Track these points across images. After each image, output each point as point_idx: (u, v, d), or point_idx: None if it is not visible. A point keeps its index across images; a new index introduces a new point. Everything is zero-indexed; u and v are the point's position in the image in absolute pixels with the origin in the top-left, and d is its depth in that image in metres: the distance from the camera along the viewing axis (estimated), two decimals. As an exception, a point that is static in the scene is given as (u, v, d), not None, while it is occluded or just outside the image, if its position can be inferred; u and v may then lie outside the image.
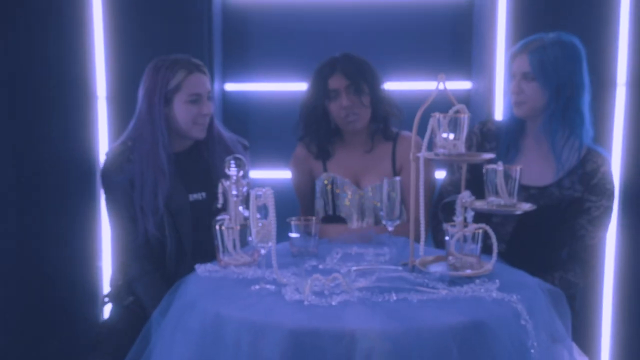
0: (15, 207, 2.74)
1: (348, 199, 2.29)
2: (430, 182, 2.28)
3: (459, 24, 3.20)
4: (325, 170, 2.35)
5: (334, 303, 1.40)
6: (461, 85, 3.20)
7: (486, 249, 1.71)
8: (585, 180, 2.15)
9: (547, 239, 2.20)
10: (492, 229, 2.04)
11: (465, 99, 3.19)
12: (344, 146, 2.37)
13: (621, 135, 2.47)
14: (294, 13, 3.20)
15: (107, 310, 2.27)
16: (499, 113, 2.77)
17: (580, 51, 2.15)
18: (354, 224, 2.24)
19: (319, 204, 2.32)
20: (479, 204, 1.69)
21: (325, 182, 2.30)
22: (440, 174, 2.49)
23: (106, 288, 2.57)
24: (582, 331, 2.45)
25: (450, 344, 1.29)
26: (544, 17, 2.68)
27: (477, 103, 3.11)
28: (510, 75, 2.19)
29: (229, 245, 1.73)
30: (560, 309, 1.55)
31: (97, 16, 2.61)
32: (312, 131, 2.36)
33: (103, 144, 2.65)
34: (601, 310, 2.59)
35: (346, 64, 2.27)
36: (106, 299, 2.23)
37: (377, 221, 2.24)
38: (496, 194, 1.70)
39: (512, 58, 2.19)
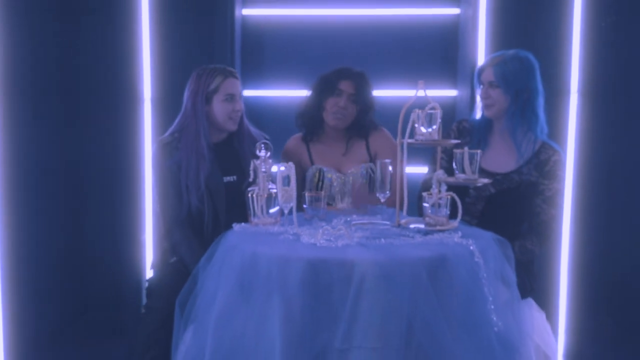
0: (73, 194, 3.12)
1: (333, 180, 2.78)
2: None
3: (446, 39, 3.61)
4: (312, 163, 2.83)
5: (339, 245, 1.90)
6: (448, 93, 3.63)
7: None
8: (540, 167, 2.56)
9: (510, 215, 2.59)
10: (466, 207, 2.55)
11: (452, 104, 3.63)
12: (326, 138, 2.85)
13: (574, 135, 2.92)
14: (302, 29, 3.62)
15: (150, 273, 2.73)
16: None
17: (534, 64, 2.57)
18: (339, 204, 2.72)
19: (309, 189, 2.77)
20: (450, 179, 2.18)
21: (315, 173, 2.79)
22: (423, 169, 2.97)
23: (148, 256, 3.03)
24: (540, 290, 2.82)
25: (422, 270, 1.78)
26: (514, 37, 3.13)
27: (461, 108, 3.53)
28: (480, 84, 2.63)
29: (258, 210, 2.20)
30: (507, 254, 2.03)
31: (145, 32, 3.01)
32: (307, 116, 2.83)
33: (147, 138, 3.02)
34: (559, 273, 2.96)
35: (359, 79, 2.76)
36: (152, 264, 2.70)
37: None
38: (463, 172, 2.20)
39: (480, 70, 2.63)
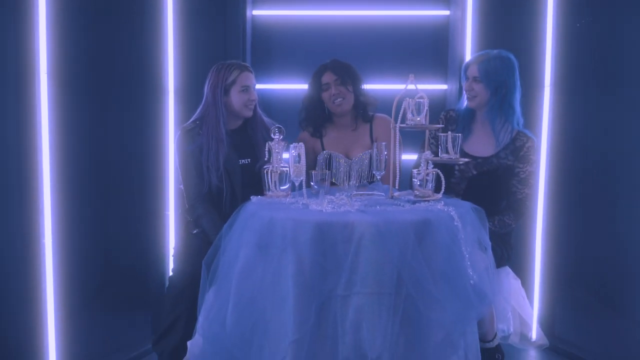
0: (105, 175, 3.35)
1: (342, 165, 3.13)
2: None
3: (437, 38, 3.92)
4: (323, 148, 3.19)
5: (341, 211, 2.28)
6: (439, 87, 3.95)
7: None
8: (515, 152, 2.90)
9: (489, 194, 2.92)
10: (451, 186, 2.91)
11: (442, 97, 3.94)
12: (335, 127, 3.19)
13: (547, 123, 3.25)
14: (307, 28, 3.93)
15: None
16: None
17: (514, 63, 2.90)
18: (345, 185, 3.08)
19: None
20: (436, 158, 2.54)
21: (326, 157, 3.14)
22: (413, 156, 3.29)
23: (171, 230, 3.39)
24: (517, 260, 3.17)
25: (410, 230, 2.15)
26: (496, 36, 3.43)
27: (451, 100, 3.82)
28: (465, 78, 2.97)
29: (272, 184, 2.57)
30: (482, 222, 2.40)
31: (169, 31, 3.30)
32: (311, 116, 3.18)
33: (171, 124, 3.30)
34: (534, 244, 3.27)
35: (334, 65, 3.11)
36: (176, 236, 3.05)
37: (359, 182, 3.08)
38: (447, 153, 2.57)
39: (466, 66, 2.97)
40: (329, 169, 3.08)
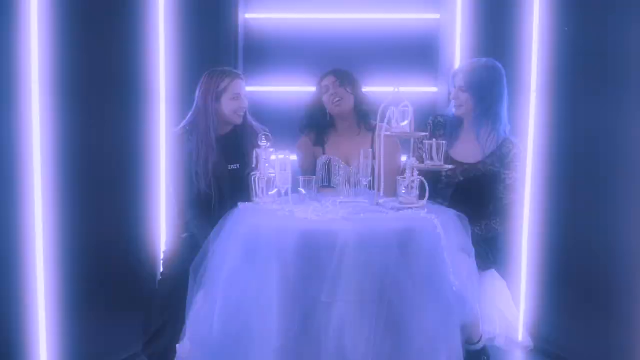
0: (98, 178, 3.37)
1: (341, 172, 3.17)
2: (396, 164, 3.15)
3: (428, 41, 3.94)
4: (324, 153, 3.24)
5: (326, 219, 2.32)
6: (429, 89, 3.98)
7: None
8: (502, 159, 2.94)
9: (476, 199, 2.95)
10: (438, 192, 2.95)
11: (433, 100, 3.97)
12: (337, 134, 3.23)
13: (533, 127, 3.28)
14: (299, 31, 3.95)
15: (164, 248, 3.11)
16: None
17: (500, 72, 2.94)
18: (343, 191, 3.13)
19: (318, 176, 3.15)
20: (421, 165, 2.58)
21: (325, 162, 3.20)
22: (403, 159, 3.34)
23: (162, 233, 3.42)
24: (505, 263, 3.20)
25: (393, 239, 2.18)
26: (485, 39, 3.47)
27: (441, 103, 3.86)
28: (453, 86, 3.02)
29: (259, 191, 2.61)
30: (465, 229, 2.44)
31: (161, 36, 3.34)
32: (313, 123, 3.23)
33: (162, 130, 3.32)
34: (520, 247, 3.31)
35: (335, 70, 3.17)
36: (166, 239, 3.09)
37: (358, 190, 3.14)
38: (432, 160, 2.60)
39: (454, 75, 3.02)
40: (328, 174, 3.12)
